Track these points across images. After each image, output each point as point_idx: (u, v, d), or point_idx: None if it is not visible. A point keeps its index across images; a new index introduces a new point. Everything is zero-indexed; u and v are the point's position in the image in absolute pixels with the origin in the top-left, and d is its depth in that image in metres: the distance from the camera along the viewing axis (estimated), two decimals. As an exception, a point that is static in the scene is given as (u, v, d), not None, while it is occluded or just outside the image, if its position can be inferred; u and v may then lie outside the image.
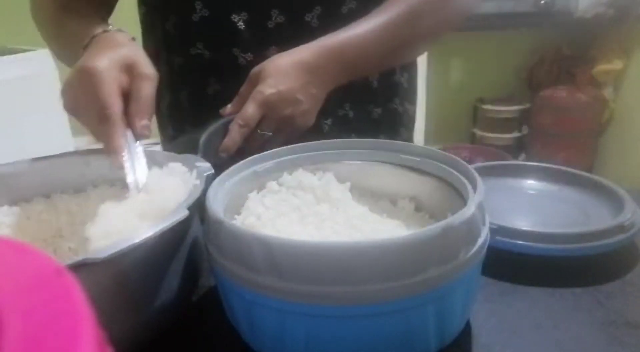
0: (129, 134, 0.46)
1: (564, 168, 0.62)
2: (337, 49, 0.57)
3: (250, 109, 0.54)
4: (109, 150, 0.44)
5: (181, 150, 0.49)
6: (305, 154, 0.49)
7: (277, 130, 0.56)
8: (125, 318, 0.35)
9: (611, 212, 0.54)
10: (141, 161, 0.45)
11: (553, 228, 0.50)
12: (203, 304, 0.46)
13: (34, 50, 1.42)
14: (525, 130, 2.34)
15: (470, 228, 0.34)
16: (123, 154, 0.44)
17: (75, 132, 1.47)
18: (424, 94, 2.03)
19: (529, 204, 0.60)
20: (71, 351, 0.13)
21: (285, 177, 0.48)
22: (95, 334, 0.14)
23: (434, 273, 0.32)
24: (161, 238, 0.33)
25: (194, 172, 0.43)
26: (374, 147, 0.49)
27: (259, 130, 0.55)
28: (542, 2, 1.97)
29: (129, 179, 0.43)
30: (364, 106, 0.71)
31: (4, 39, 1.61)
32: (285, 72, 0.55)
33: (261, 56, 0.64)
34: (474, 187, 0.38)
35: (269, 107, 0.54)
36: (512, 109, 2.30)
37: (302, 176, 0.48)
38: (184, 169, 0.45)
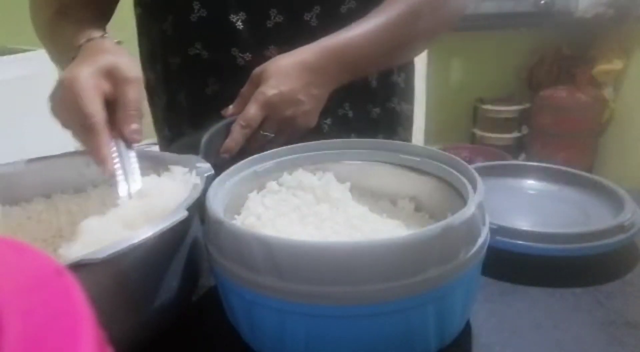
0: (119, 140, 0.46)
1: (564, 168, 0.62)
2: (338, 49, 0.57)
3: (252, 110, 0.54)
4: (97, 160, 0.44)
5: (182, 151, 0.49)
6: (305, 154, 0.49)
7: (279, 131, 0.56)
8: (125, 318, 0.35)
9: (611, 212, 0.54)
10: (134, 167, 0.45)
11: (553, 228, 0.50)
12: (203, 304, 0.46)
13: (34, 50, 1.42)
14: (525, 130, 2.34)
15: (470, 228, 0.34)
16: (113, 162, 0.44)
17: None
18: (424, 94, 2.03)
19: (529, 204, 0.60)
20: (71, 351, 0.13)
21: (285, 177, 0.48)
22: (95, 334, 0.14)
23: (434, 273, 0.32)
24: (161, 238, 0.33)
25: (194, 172, 0.43)
26: (374, 147, 0.49)
27: (261, 131, 0.55)
28: (542, 2, 1.97)
29: (121, 187, 0.43)
30: (363, 106, 0.71)
31: (4, 39, 1.61)
32: (286, 73, 0.55)
33: (260, 56, 0.64)
34: (474, 187, 0.38)
35: (271, 108, 0.54)
36: (512, 109, 2.30)
37: (302, 176, 0.48)
38: (183, 170, 0.45)
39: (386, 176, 0.49)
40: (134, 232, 0.34)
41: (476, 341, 0.39)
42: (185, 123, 0.70)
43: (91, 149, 0.44)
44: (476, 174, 0.39)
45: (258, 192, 0.47)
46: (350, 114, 0.69)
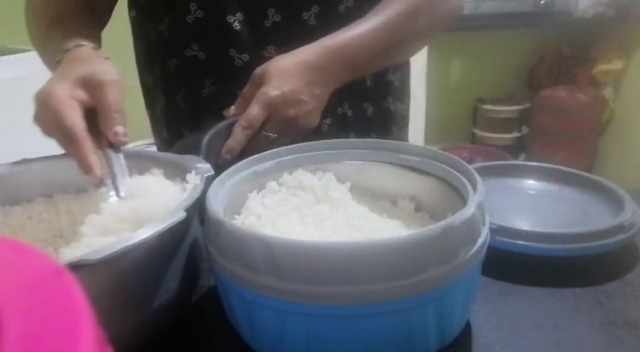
0: (106, 146, 0.46)
1: (564, 168, 0.62)
2: (339, 48, 0.57)
3: (254, 111, 0.54)
4: (84, 168, 0.44)
5: (183, 152, 0.49)
6: (305, 154, 0.49)
7: (281, 132, 0.56)
8: (124, 318, 0.35)
9: (611, 212, 0.54)
10: (124, 170, 0.45)
11: (553, 228, 0.50)
12: (203, 304, 0.46)
13: (34, 50, 1.42)
14: (525, 130, 2.34)
15: (470, 228, 0.34)
16: (100, 168, 0.44)
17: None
18: (424, 94, 2.03)
19: (529, 204, 0.60)
20: (71, 351, 0.13)
21: (285, 177, 0.48)
22: (95, 334, 0.14)
23: (434, 273, 0.32)
24: (160, 239, 0.33)
25: (194, 172, 0.43)
26: (374, 147, 0.49)
27: (263, 132, 0.55)
28: (542, 2, 1.97)
29: (112, 190, 0.43)
30: (360, 105, 0.71)
31: (4, 39, 1.61)
32: (288, 73, 0.55)
33: (258, 56, 0.64)
34: (474, 187, 0.38)
35: (273, 109, 0.54)
36: (512, 109, 2.30)
37: (302, 176, 0.48)
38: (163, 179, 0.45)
39: (386, 176, 0.49)
40: (118, 235, 0.34)
41: (476, 341, 0.39)
42: (184, 125, 0.70)
43: (77, 159, 0.44)
44: (476, 174, 0.39)
45: (258, 192, 0.47)
46: (350, 113, 0.69)
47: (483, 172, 0.45)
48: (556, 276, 0.47)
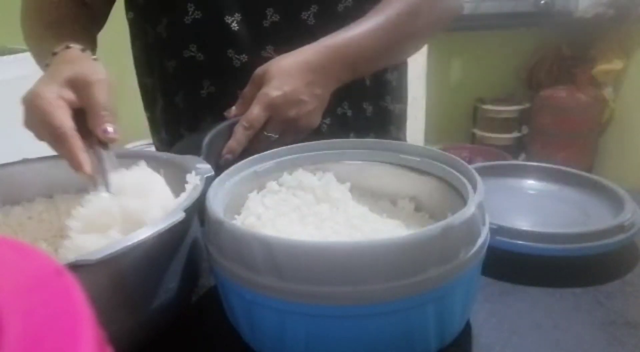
0: (97, 145, 0.46)
1: (564, 168, 0.62)
2: (340, 48, 0.57)
3: (256, 111, 0.54)
4: (74, 167, 0.44)
5: (183, 152, 0.49)
6: (305, 154, 0.49)
7: (283, 132, 0.56)
8: (124, 318, 0.35)
9: (611, 212, 0.54)
10: (115, 168, 0.45)
11: (553, 228, 0.50)
12: (203, 304, 0.46)
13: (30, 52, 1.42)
14: (525, 130, 2.34)
15: (470, 228, 0.34)
16: (90, 166, 0.43)
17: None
18: (424, 94, 2.03)
19: (529, 204, 0.60)
20: (71, 351, 0.13)
21: (285, 177, 0.48)
22: (95, 334, 0.14)
23: (434, 273, 0.32)
24: (159, 239, 0.33)
25: (193, 173, 0.43)
26: (374, 147, 0.49)
27: (265, 133, 0.55)
28: (542, 2, 1.97)
29: (103, 189, 0.43)
30: (359, 104, 0.71)
31: (4, 39, 1.61)
32: (289, 73, 0.55)
33: (257, 57, 0.64)
34: (474, 187, 0.38)
35: (274, 109, 0.54)
36: (512, 109, 2.30)
37: (302, 176, 0.48)
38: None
39: (386, 176, 0.49)
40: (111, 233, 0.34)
41: (476, 341, 0.39)
42: (183, 126, 0.70)
43: (67, 158, 0.44)
44: (476, 174, 0.39)
45: (258, 192, 0.47)
46: (349, 113, 0.69)
47: (483, 172, 0.45)
48: (556, 276, 0.47)
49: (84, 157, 0.44)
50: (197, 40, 0.65)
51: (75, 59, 0.52)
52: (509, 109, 2.30)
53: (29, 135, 0.48)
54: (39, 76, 0.50)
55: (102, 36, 0.74)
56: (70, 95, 0.47)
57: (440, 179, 0.45)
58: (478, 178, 0.38)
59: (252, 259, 0.32)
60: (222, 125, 0.55)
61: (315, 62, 0.56)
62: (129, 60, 0.76)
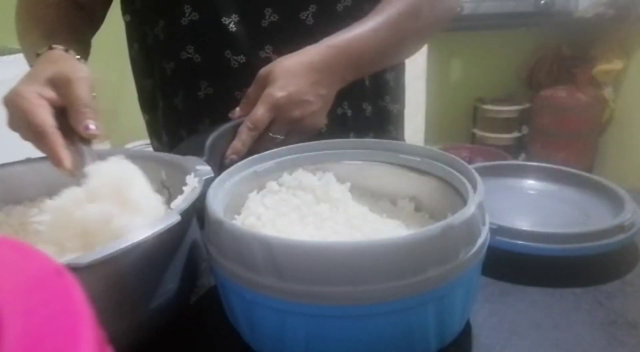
0: (79, 142, 0.46)
1: (564, 168, 0.62)
2: (343, 47, 0.57)
3: (260, 112, 0.54)
4: (55, 163, 0.44)
5: (186, 153, 0.49)
6: (305, 154, 0.49)
7: (288, 133, 0.56)
8: (123, 318, 0.35)
9: (611, 212, 0.54)
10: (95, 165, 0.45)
11: (553, 228, 0.50)
12: (203, 304, 0.46)
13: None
14: (525, 130, 2.34)
15: (470, 228, 0.34)
16: (70, 162, 0.44)
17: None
18: (424, 94, 2.03)
19: (529, 204, 0.60)
20: (71, 351, 0.13)
21: (285, 177, 0.48)
22: (95, 334, 0.14)
23: (434, 273, 0.32)
24: (158, 240, 0.33)
25: (193, 175, 0.43)
26: (374, 147, 0.49)
27: (270, 134, 0.55)
28: (542, 2, 1.97)
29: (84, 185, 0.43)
30: (358, 104, 0.71)
31: (4, 39, 1.61)
32: (293, 74, 0.55)
33: (254, 58, 0.64)
34: (474, 187, 0.38)
35: (278, 110, 0.54)
36: (512, 109, 2.30)
37: (302, 176, 0.48)
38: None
39: (386, 176, 0.49)
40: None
41: (476, 341, 0.39)
42: (183, 128, 0.70)
43: (48, 154, 0.44)
44: (476, 174, 0.39)
45: (258, 192, 0.47)
46: (349, 113, 0.69)
47: (483, 172, 0.45)
48: (556, 276, 0.47)
49: (65, 153, 0.44)
50: (194, 41, 0.65)
51: (58, 59, 0.52)
52: (509, 109, 2.30)
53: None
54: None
55: (103, 38, 0.74)
56: (51, 93, 0.47)
57: (440, 179, 0.45)
58: (478, 178, 0.38)
59: (252, 259, 0.32)
60: (226, 126, 0.55)
61: (320, 62, 0.56)
62: (129, 62, 0.76)
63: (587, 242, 0.47)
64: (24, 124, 0.45)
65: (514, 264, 0.48)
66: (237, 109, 0.58)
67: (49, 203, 0.41)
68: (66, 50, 0.54)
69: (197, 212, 0.40)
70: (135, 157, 0.51)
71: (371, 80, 0.71)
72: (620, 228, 0.48)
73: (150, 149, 0.79)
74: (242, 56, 0.64)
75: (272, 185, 0.47)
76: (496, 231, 0.48)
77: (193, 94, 0.67)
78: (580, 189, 0.60)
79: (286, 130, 0.55)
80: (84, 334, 0.14)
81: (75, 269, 0.29)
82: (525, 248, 0.48)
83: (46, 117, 0.45)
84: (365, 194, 0.49)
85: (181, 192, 0.41)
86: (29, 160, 0.52)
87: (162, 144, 0.75)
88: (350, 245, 0.32)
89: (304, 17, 0.64)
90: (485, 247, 0.36)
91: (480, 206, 0.36)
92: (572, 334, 0.40)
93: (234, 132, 0.55)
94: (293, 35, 0.62)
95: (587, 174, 0.61)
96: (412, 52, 0.71)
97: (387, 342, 0.33)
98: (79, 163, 0.45)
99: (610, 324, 0.41)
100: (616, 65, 2.04)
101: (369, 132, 0.72)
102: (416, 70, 1.92)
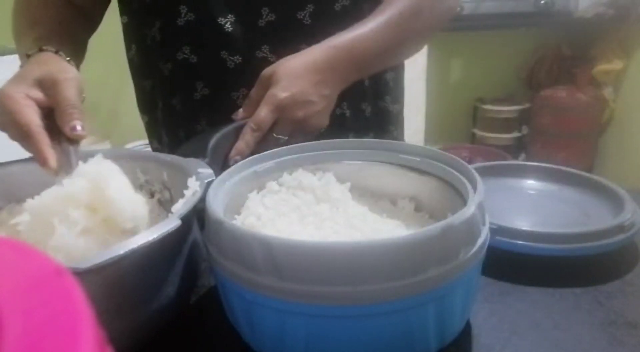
0: (66, 142, 0.46)
1: (564, 168, 0.62)
2: (346, 48, 0.57)
3: (263, 113, 0.54)
4: (40, 162, 0.44)
5: (188, 155, 0.49)
6: (305, 154, 0.49)
7: (292, 133, 0.56)
8: (123, 318, 0.35)
9: (611, 212, 0.54)
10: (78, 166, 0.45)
11: (553, 228, 0.50)
12: (203, 304, 0.46)
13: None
14: (525, 130, 2.34)
15: (470, 228, 0.34)
16: (55, 161, 0.44)
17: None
18: (424, 94, 2.03)
19: (529, 204, 0.60)
20: (71, 351, 0.13)
21: (285, 177, 0.48)
22: (95, 334, 0.14)
23: (434, 273, 0.32)
24: (157, 244, 0.32)
25: (194, 177, 0.43)
26: (374, 147, 0.49)
27: (274, 134, 0.55)
28: (542, 2, 1.97)
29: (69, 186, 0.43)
30: (358, 105, 0.71)
31: (4, 39, 1.61)
32: (297, 74, 0.55)
33: (251, 58, 0.63)
34: (474, 187, 0.38)
35: (282, 111, 0.54)
36: (512, 109, 2.30)
37: (302, 176, 0.48)
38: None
39: (386, 176, 0.49)
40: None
41: (476, 341, 0.39)
42: (182, 128, 0.70)
43: (33, 153, 0.45)
44: (476, 174, 0.39)
45: (258, 192, 0.47)
46: (348, 113, 0.69)
47: (483, 172, 0.45)
48: (556, 276, 0.47)
49: (50, 152, 0.44)
50: (191, 42, 0.65)
51: (47, 60, 0.52)
52: (509, 109, 2.30)
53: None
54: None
55: (103, 39, 0.74)
56: (38, 94, 0.47)
57: (440, 179, 0.45)
58: (478, 178, 0.38)
59: (252, 259, 0.32)
60: (229, 127, 0.55)
61: (322, 63, 0.56)
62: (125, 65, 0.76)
63: (587, 242, 0.47)
64: (11, 124, 0.46)
65: (514, 264, 0.48)
66: (240, 110, 0.58)
67: (30, 202, 0.41)
68: (56, 52, 0.54)
69: (198, 213, 0.40)
70: (136, 157, 0.51)
71: (371, 81, 0.71)
72: (620, 228, 0.48)
73: (150, 149, 0.79)
74: (238, 56, 0.64)
75: (272, 185, 0.47)
76: (496, 231, 0.48)
77: (190, 95, 0.67)
78: (580, 189, 0.60)
79: (290, 130, 0.55)
80: (84, 334, 0.14)
81: (74, 273, 0.29)
82: (525, 248, 0.48)
83: (32, 117, 0.45)
84: (365, 194, 0.49)
85: (182, 195, 0.41)
86: (30, 160, 0.51)
87: (162, 144, 0.75)
88: (350, 245, 0.32)
89: (301, 17, 0.64)
90: (485, 247, 0.36)
91: (480, 206, 0.36)
92: (572, 334, 0.40)
93: (236, 134, 0.55)
94: (290, 35, 0.62)
95: (587, 174, 0.61)
96: (413, 52, 0.71)
97: (387, 342, 0.33)
98: (65, 163, 0.45)
99: (610, 324, 0.41)
100: (616, 65, 2.04)
101: (369, 133, 0.72)
102: (416, 70, 1.92)
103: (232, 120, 0.57)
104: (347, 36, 0.57)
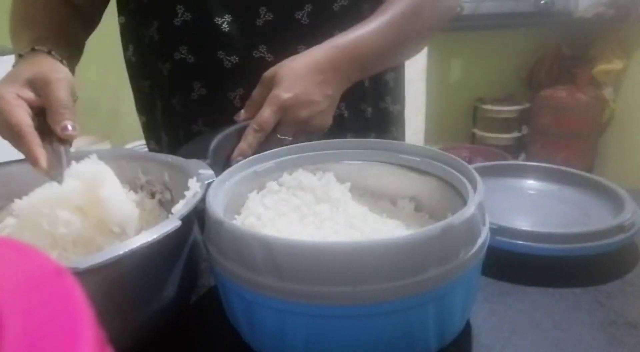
0: (57, 142, 0.46)
1: (564, 168, 0.62)
2: (349, 48, 0.57)
3: (267, 114, 0.54)
4: (30, 163, 0.44)
5: (190, 156, 0.49)
6: (305, 154, 0.49)
7: (296, 134, 0.56)
8: (123, 318, 0.35)
9: (611, 212, 0.54)
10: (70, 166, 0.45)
11: (553, 228, 0.50)
12: (203, 304, 0.46)
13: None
14: (525, 130, 2.34)
15: (470, 228, 0.34)
16: (45, 161, 0.44)
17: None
18: (424, 94, 2.03)
19: (529, 204, 0.60)
20: (71, 351, 0.13)
21: (285, 177, 0.48)
22: (95, 334, 0.14)
23: (434, 273, 0.32)
24: (157, 245, 0.33)
25: (195, 179, 0.43)
26: (374, 147, 0.49)
27: (278, 135, 0.55)
28: (542, 2, 1.97)
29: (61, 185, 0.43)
30: (357, 106, 0.71)
31: (4, 39, 1.61)
32: (299, 75, 0.54)
33: (248, 58, 0.63)
34: (474, 187, 0.38)
35: (285, 111, 0.54)
36: (512, 109, 2.30)
37: (302, 176, 0.48)
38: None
39: (386, 176, 0.49)
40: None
41: (476, 341, 0.39)
42: (181, 128, 0.70)
43: (24, 153, 0.45)
44: (476, 174, 0.39)
45: (258, 192, 0.47)
46: (346, 114, 0.69)
47: (483, 172, 0.45)
48: (556, 276, 0.47)
49: (41, 152, 0.44)
50: (187, 42, 0.65)
51: (39, 60, 0.52)
52: (509, 109, 2.30)
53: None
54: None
55: (103, 39, 0.74)
56: (29, 94, 0.48)
57: (440, 179, 0.45)
58: (478, 178, 0.38)
59: (252, 259, 0.32)
60: (230, 129, 0.55)
61: (325, 63, 0.56)
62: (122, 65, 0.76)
63: (587, 242, 0.47)
64: (2, 124, 0.46)
65: (514, 264, 0.48)
66: (242, 111, 0.57)
67: (18, 203, 0.41)
68: (49, 52, 0.54)
69: (198, 213, 0.40)
70: (138, 158, 0.51)
71: (371, 82, 0.71)
72: (620, 228, 0.48)
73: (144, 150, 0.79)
74: (235, 56, 0.64)
75: (272, 185, 0.47)
76: (496, 231, 0.48)
77: (187, 95, 0.67)
78: (580, 189, 0.60)
79: (294, 131, 0.55)
80: (84, 334, 0.14)
81: (74, 273, 0.29)
82: (525, 248, 0.48)
83: (23, 117, 0.45)
84: (365, 194, 0.49)
85: (183, 196, 0.41)
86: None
87: (161, 145, 0.75)
88: (350, 245, 0.32)
89: (300, 17, 0.64)
90: (485, 247, 0.36)
91: (480, 206, 0.36)
92: (572, 334, 0.40)
93: (238, 135, 0.55)
94: (288, 35, 0.62)
95: (587, 174, 0.61)
96: (414, 53, 0.71)
97: (387, 342, 0.33)
98: (57, 163, 0.45)
99: (610, 324, 0.41)
100: (616, 65, 2.04)
101: (370, 134, 0.72)
102: (416, 70, 1.92)
103: (229, 121, 0.57)
104: (349, 36, 0.57)
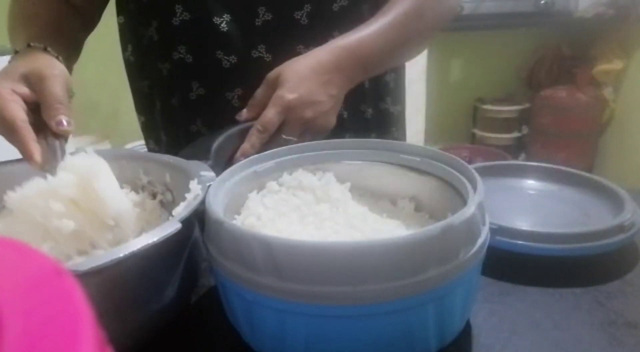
0: (52, 137, 0.46)
1: (564, 168, 0.62)
2: (353, 48, 0.57)
3: (270, 114, 0.54)
4: (25, 157, 0.44)
5: (191, 157, 0.49)
6: (305, 154, 0.49)
7: (300, 134, 0.56)
8: (123, 319, 0.35)
9: (611, 212, 0.54)
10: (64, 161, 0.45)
11: (553, 228, 0.50)
12: (203, 304, 0.46)
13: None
14: (525, 130, 2.34)
15: (470, 228, 0.34)
16: (40, 155, 0.44)
17: (75, 132, 1.47)
18: (424, 94, 2.03)
19: (529, 204, 0.60)
20: (71, 351, 0.13)
21: (285, 177, 0.48)
22: (95, 334, 0.14)
23: (434, 273, 0.32)
24: (157, 247, 0.33)
25: (196, 180, 0.43)
26: (374, 147, 0.49)
27: (283, 136, 0.55)
28: (542, 2, 1.97)
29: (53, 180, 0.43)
30: (356, 106, 0.71)
31: (4, 39, 1.61)
32: (303, 76, 0.55)
33: (246, 58, 0.63)
34: (474, 187, 0.38)
35: (289, 112, 0.54)
36: (512, 109, 2.30)
37: (302, 176, 0.48)
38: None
39: (386, 176, 0.49)
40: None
41: (476, 341, 0.39)
42: (181, 128, 0.70)
43: (18, 148, 0.45)
44: (476, 174, 0.39)
45: (258, 192, 0.47)
46: (346, 114, 0.69)
47: (483, 172, 0.45)
48: (556, 276, 0.47)
49: (35, 147, 0.44)
50: (186, 42, 0.65)
51: (34, 57, 0.52)
52: (509, 109, 2.30)
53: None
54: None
55: (103, 39, 0.74)
56: (24, 89, 0.48)
57: (440, 179, 0.45)
58: (478, 178, 0.38)
59: (252, 259, 0.32)
60: (233, 130, 0.55)
61: (329, 63, 0.56)
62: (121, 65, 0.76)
63: (587, 242, 0.47)
64: None
65: (514, 264, 0.48)
66: (244, 110, 0.57)
67: (10, 195, 0.41)
68: (44, 49, 0.54)
69: (198, 214, 0.40)
70: (139, 158, 0.51)
71: (371, 83, 0.71)
72: (620, 228, 0.48)
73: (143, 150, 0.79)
74: (234, 56, 0.64)
75: (272, 185, 0.47)
76: (496, 231, 0.48)
77: (186, 95, 0.67)
78: (580, 189, 0.60)
79: (298, 131, 0.55)
80: (84, 334, 0.14)
81: (74, 275, 0.29)
82: (525, 248, 0.48)
83: (17, 112, 0.46)
84: (365, 194, 0.49)
85: (184, 197, 0.41)
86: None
87: (160, 145, 0.75)
88: (350, 245, 0.32)
89: (299, 17, 0.64)
90: (485, 247, 0.36)
91: (480, 206, 0.36)
92: (572, 334, 0.40)
93: (240, 136, 0.55)
94: (287, 35, 0.62)
95: (587, 174, 0.61)
96: (416, 53, 0.71)
97: (387, 342, 0.33)
98: (52, 158, 0.45)
99: (610, 324, 0.41)
100: (616, 65, 2.04)
101: (370, 134, 0.72)
102: (416, 70, 1.92)
103: (228, 121, 0.57)
104: (352, 37, 0.57)
